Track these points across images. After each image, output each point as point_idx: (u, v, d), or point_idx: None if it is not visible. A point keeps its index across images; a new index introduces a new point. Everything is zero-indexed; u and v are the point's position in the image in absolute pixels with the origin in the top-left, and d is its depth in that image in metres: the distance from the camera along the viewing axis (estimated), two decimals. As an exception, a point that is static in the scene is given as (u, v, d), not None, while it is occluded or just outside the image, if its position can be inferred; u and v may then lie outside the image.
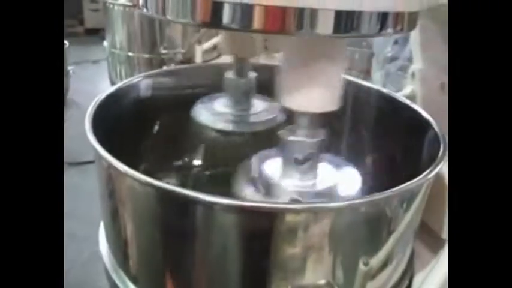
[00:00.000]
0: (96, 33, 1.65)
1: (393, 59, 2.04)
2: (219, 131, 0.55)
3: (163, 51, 1.32)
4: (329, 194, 0.44)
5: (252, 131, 0.56)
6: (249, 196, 0.44)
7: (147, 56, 1.35)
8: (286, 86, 0.40)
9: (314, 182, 0.44)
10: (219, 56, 1.25)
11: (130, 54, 1.37)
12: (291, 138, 0.43)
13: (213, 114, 0.56)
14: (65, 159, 1.00)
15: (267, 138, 0.54)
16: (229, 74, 0.58)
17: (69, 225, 0.57)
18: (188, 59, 1.28)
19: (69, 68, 2.08)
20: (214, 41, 1.20)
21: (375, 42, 2.14)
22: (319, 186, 0.44)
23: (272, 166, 0.46)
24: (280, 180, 0.44)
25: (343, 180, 0.45)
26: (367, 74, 2.20)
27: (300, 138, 0.42)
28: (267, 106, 0.59)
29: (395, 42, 2.02)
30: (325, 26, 0.33)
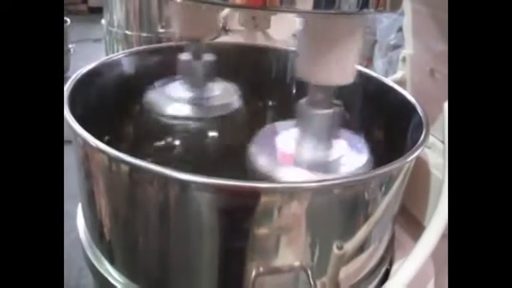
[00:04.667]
0: (99, 12, 1.64)
1: (396, 46, 2.02)
2: (172, 117, 0.53)
3: (161, 30, 1.31)
4: (339, 165, 0.44)
5: (210, 116, 0.55)
6: (264, 166, 0.43)
7: (144, 34, 1.34)
8: (307, 61, 0.40)
9: (327, 153, 0.44)
10: (217, 36, 1.23)
11: (127, 32, 1.36)
12: (312, 111, 0.43)
13: (167, 98, 0.55)
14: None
15: (225, 122, 0.54)
16: (184, 56, 0.56)
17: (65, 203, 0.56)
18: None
19: (70, 46, 2.08)
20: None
21: (378, 30, 2.13)
22: (331, 158, 0.44)
23: (287, 137, 0.46)
24: (295, 151, 0.45)
25: (354, 153, 0.45)
26: (369, 62, 2.18)
27: (319, 110, 0.43)
28: (224, 89, 0.58)
29: (399, 30, 2.00)
30: (305, 1, 0.32)
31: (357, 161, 0.44)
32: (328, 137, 0.45)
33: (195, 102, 0.55)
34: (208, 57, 0.56)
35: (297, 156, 0.44)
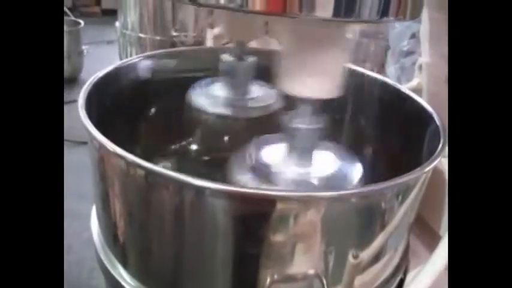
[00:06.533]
0: (112, 14, 1.66)
1: (409, 53, 2.01)
2: (214, 115, 0.54)
3: (175, 34, 1.31)
4: (326, 182, 0.43)
5: (248, 117, 0.55)
6: (245, 182, 0.43)
7: (158, 38, 1.35)
8: (286, 72, 0.40)
9: (311, 169, 0.44)
10: (230, 41, 1.23)
11: (141, 35, 1.36)
12: (293, 124, 0.42)
13: (209, 98, 0.55)
14: (73, 138, 1.00)
15: (263, 124, 0.53)
16: (227, 57, 0.57)
17: (74, 204, 0.57)
18: (199, 43, 1.27)
19: (83, 47, 2.08)
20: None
21: (391, 36, 2.12)
22: (317, 174, 0.44)
23: (270, 152, 0.46)
24: (278, 167, 0.44)
25: (343, 170, 0.45)
26: (381, 67, 2.17)
27: (301, 125, 0.42)
28: (265, 92, 0.58)
29: (412, 36, 1.99)
30: (325, 8, 0.32)
31: (344, 179, 0.44)
32: (311, 153, 0.44)
33: (236, 103, 0.56)
34: (250, 58, 0.57)
35: (279, 173, 0.43)
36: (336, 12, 0.32)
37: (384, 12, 0.34)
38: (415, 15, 0.37)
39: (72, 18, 2.09)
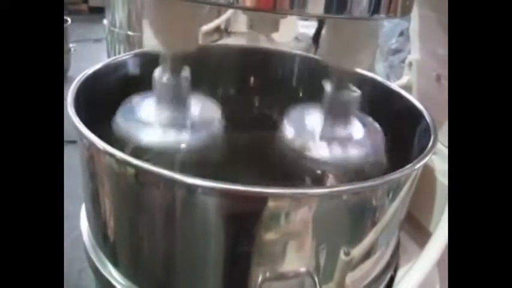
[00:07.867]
0: (100, 12, 1.64)
1: (397, 51, 2.02)
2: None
3: (163, 32, 1.31)
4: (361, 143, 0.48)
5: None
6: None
7: (146, 35, 1.34)
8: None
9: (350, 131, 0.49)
10: (219, 38, 1.24)
11: (129, 33, 1.35)
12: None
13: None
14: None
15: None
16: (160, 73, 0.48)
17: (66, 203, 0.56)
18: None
19: (71, 45, 2.07)
20: (215, 22, 1.19)
21: (379, 34, 2.12)
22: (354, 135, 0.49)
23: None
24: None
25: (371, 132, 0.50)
26: (370, 65, 2.18)
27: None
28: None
29: (401, 34, 2.00)
30: (316, 5, 0.32)
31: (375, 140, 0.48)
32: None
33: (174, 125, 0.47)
34: (185, 73, 0.48)
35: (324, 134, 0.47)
36: (327, 9, 0.32)
37: (375, 9, 0.34)
38: (406, 12, 0.37)
39: (59, 15, 2.07)
